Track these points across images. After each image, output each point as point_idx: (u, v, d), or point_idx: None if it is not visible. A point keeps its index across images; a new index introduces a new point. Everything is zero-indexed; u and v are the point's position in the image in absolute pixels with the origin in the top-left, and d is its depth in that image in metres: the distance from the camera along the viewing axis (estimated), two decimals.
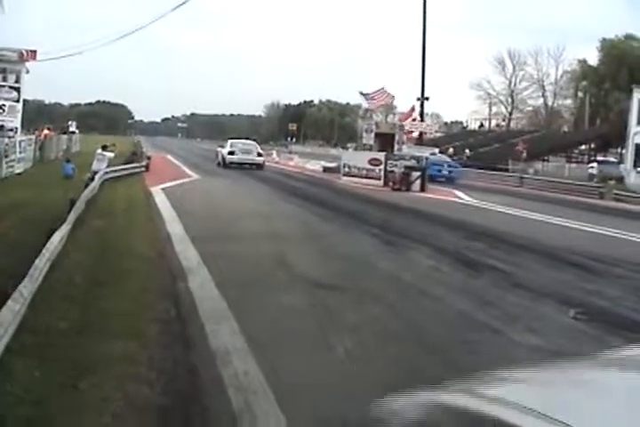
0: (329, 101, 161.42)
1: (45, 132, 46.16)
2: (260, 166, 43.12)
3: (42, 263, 8.75)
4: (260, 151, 45.11)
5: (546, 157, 68.38)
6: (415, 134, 38.22)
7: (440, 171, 39.97)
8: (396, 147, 37.09)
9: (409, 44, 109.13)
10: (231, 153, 43.50)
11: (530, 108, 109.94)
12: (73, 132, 59.95)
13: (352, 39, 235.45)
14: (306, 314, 8.40)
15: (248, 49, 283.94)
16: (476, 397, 1.98)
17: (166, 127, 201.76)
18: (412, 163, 33.90)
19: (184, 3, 36.80)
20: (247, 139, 50.92)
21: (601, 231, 19.18)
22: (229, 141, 46.55)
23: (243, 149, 44.46)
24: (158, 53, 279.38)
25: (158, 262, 11.30)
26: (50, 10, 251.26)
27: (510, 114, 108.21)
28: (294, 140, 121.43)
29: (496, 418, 1.75)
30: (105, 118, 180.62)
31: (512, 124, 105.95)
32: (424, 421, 1.97)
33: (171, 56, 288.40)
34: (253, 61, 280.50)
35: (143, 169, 33.36)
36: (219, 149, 46.90)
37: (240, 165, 42.23)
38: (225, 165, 43.11)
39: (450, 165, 42.39)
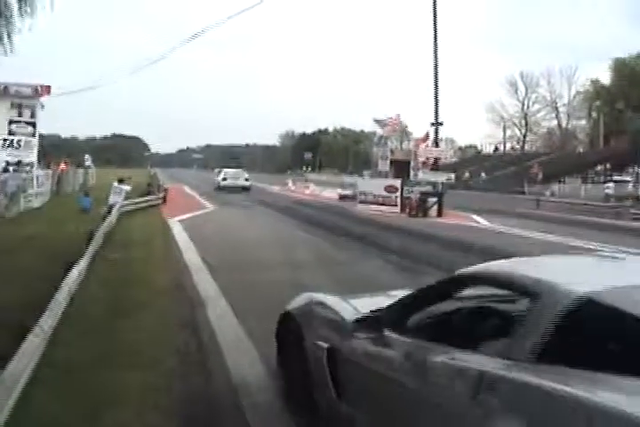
0: (343, 129, 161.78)
1: (62, 166, 46.47)
2: (246, 189, 52.93)
3: (61, 297, 8.81)
4: (247, 177, 55.73)
5: (562, 179, 68.24)
6: (430, 160, 38.14)
7: None
8: (411, 173, 37.13)
9: (422, 69, 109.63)
10: (224, 179, 54.86)
11: (544, 130, 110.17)
12: (88, 167, 60.30)
13: (366, 66, 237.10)
14: None
15: (262, 79, 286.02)
16: (342, 301, 5.82)
17: (181, 159, 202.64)
18: (428, 188, 33.96)
19: (197, 35, 37.03)
20: (237, 167, 63.93)
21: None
22: (223, 170, 58.72)
23: (232, 175, 56.06)
24: (173, 85, 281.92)
25: (177, 294, 11.34)
26: (63, 40, 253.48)
27: (524, 136, 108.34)
28: (310, 168, 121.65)
29: (337, 311, 5.52)
30: (121, 151, 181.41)
31: (526, 147, 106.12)
32: (311, 308, 6.01)
33: (185, 87, 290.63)
34: (267, 91, 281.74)
35: (160, 201, 33.52)
36: (215, 177, 58.11)
37: (231, 189, 51.67)
38: (220, 188, 53.07)
39: None
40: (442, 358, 3.90)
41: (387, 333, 4.60)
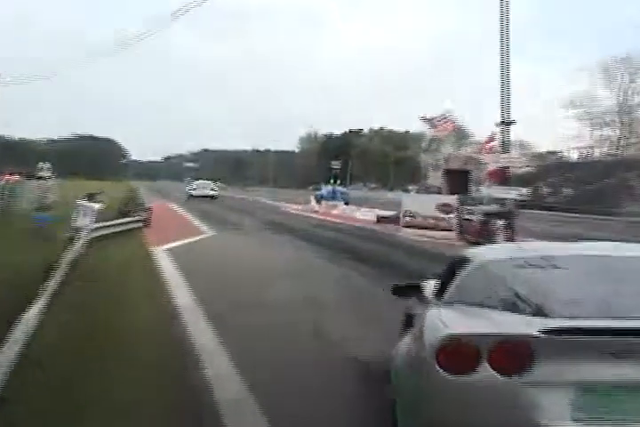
0: (381, 130, 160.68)
1: (7, 177, 46.08)
2: (213, 197, 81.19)
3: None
4: (214, 187, 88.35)
5: None
6: (497, 170, 37.92)
7: (334, 196, 73.16)
8: (472, 187, 36.87)
9: (481, 57, 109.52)
10: (194, 189, 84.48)
11: None
12: (42, 177, 59.79)
13: (407, 54, 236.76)
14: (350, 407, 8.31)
15: (274, 71, 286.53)
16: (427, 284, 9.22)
17: (170, 168, 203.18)
18: (494, 208, 33.50)
19: (178, 12, 37.27)
20: (208, 179, 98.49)
21: None
22: (193, 182, 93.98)
23: (201, 186, 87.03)
24: (159, 78, 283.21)
25: (165, 349, 11.21)
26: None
27: (623, 138, 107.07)
28: (338, 181, 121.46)
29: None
30: (89, 158, 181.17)
31: (627, 152, 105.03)
32: None
33: (176, 80, 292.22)
34: (284, 84, 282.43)
35: (141, 224, 33.44)
36: (187, 188, 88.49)
37: (202, 198, 78.44)
38: (190, 197, 79.26)
39: (342, 193, 77.90)
40: (430, 303, 7.65)
41: (425, 293, 8.54)
